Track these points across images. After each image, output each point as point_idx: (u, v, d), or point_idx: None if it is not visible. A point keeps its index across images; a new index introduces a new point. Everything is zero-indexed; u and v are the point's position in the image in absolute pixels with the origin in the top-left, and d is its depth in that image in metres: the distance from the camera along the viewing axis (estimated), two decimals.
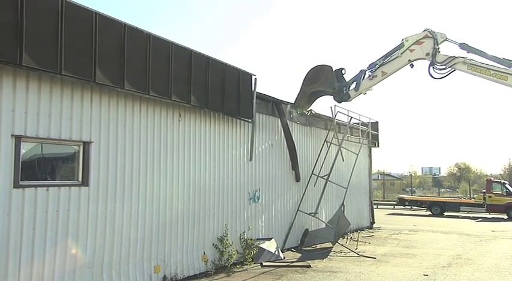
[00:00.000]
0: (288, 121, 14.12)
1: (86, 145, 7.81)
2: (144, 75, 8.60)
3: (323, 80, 15.10)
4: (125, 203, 8.46)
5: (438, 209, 31.19)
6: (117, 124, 8.40)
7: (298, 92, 15.26)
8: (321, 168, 15.42)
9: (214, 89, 10.59)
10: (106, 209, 8.08)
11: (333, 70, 15.19)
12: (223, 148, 11.41)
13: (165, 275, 9.20)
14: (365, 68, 15.08)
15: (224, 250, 10.87)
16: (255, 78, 12.08)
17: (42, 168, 7.57)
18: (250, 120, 12.09)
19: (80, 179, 7.74)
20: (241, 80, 11.65)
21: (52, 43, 6.95)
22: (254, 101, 12.04)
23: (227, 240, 10.97)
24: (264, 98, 13.06)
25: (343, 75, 15.25)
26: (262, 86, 19.95)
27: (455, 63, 13.60)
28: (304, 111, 15.37)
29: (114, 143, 8.33)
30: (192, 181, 10.25)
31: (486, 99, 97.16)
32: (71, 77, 7.26)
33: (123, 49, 8.15)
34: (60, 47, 7.00)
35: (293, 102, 15.02)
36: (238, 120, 11.89)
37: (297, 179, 14.66)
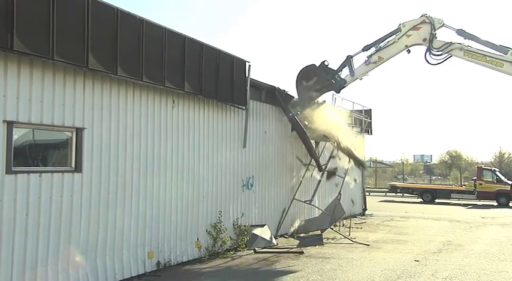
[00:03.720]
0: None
1: (79, 131, 7.73)
2: (137, 61, 8.50)
3: (316, 80, 14.96)
4: (118, 189, 8.42)
5: (429, 196, 31.47)
6: (111, 110, 8.32)
7: (297, 99, 15.02)
8: (320, 156, 15.41)
9: (208, 76, 10.51)
10: (100, 196, 8.04)
11: (318, 66, 15.06)
12: (217, 135, 11.37)
13: (158, 261, 9.22)
14: (352, 53, 14.93)
15: (218, 236, 10.90)
16: (249, 65, 12.01)
17: (35, 154, 7.51)
18: (244, 107, 12.04)
19: (73, 165, 7.67)
20: (235, 66, 11.57)
21: (44, 27, 6.83)
22: (248, 87, 11.97)
23: (221, 226, 11.00)
24: (258, 85, 12.99)
25: (328, 66, 15.14)
26: (257, 73, 19.81)
27: (451, 49, 13.53)
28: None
29: (107, 129, 8.26)
30: (185, 168, 10.22)
31: (478, 87, 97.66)
32: (63, 62, 7.16)
33: (116, 34, 8.03)
34: (52, 31, 6.88)
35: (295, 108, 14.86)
36: (232, 107, 11.84)
37: (320, 169, 14.77)
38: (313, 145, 15.42)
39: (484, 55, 13.28)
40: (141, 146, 9.01)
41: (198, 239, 10.48)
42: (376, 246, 12.52)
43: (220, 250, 10.92)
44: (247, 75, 11.96)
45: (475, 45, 13.44)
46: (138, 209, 8.88)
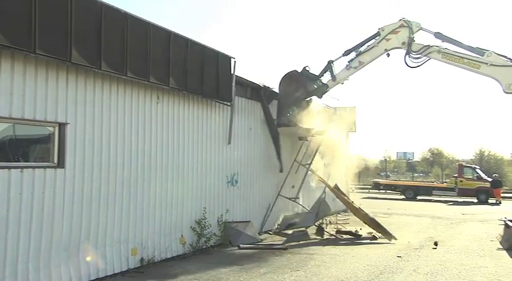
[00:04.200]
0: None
1: (62, 126, 7.61)
2: (121, 56, 8.39)
3: (298, 86, 15.01)
4: (102, 185, 8.32)
5: (411, 193, 31.85)
6: (94, 105, 8.21)
7: (279, 106, 15.03)
8: (303, 156, 15.48)
9: (193, 72, 10.44)
10: (82, 192, 7.93)
11: (300, 72, 15.13)
12: (202, 131, 11.32)
13: (142, 258, 9.15)
14: (333, 57, 15.09)
15: (202, 232, 10.86)
16: (234, 61, 11.96)
17: (16, 149, 7.38)
18: (229, 103, 11.99)
19: (56, 161, 7.55)
20: (221, 62, 11.52)
21: (25, 20, 6.68)
22: (233, 84, 11.92)
23: (205, 223, 10.96)
24: (243, 82, 12.96)
25: (310, 72, 15.22)
26: (242, 69, 19.75)
27: (430, 52, 13.75)
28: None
29: (91, 124, 8.14)
30: (170, 164, 10.16)
31: (460, 87, 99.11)
32: (45, 56, 7.03)
33: (100, 29, 7.91)
34: (34, 24, 6.74)
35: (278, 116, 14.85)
36: (217, 103, 11.79)
37: (281, 169, 14.64)
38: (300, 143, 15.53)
39: (462, 57, 13.54)
40: (125, 142, 8.92)
41: (182, 235, 10.43)
42: (359, 242, 12.61)
43: (204, 247, 10.89)
44: (232, 72, 11.91)
45: (452, 47, 13.68)
46: (122, 206, 8.80)
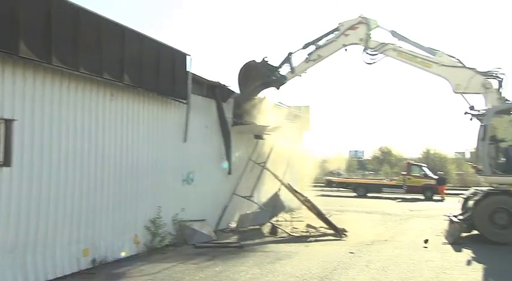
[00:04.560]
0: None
1: (8, 122, 7.22)
2: (73, 51, 8.08)
3: (256, 76, 15.07)
4: (51, 183, 7.97)
5: (363, 190, 32.71)
6: (44, 101, 7.85)
7: (239, 95, 15.01)
8: (259, 154, 15.52)
9: (148, 69, 10.23)
10: (31, 191, 7.56)
11: (259, 62, 15.20)
12: (157, 129, 11.12)
13: (94, 259, 8.87)
14: (293, 50, 15.26)
15: (156, 231, 10.66)
16: (190, 59, 11.83)
17: None
18: (185, 101, 11.84)
19: (2, 159, 7.16)
20: (176, 59, 11.36)
21: None
22: (189, 81, 11.78)
23: (160, 222, 10.77)
24: (199, 80, 12.84)
25: (269, 63, 15.33)
26: (198, 67, 19.57)
27: (386, 50, 14.23)
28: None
29: (40, 121, 7.78)
30: (124, 162, 9.90)
31: (407, 87, 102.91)
32: None
33: (50, 22, 7.57)
34: None
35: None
36: (173, 101, 11.61)
37: (229, 171, 14.37)
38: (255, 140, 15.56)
39: (415, 56, 14.12)
40: (77, 140, 8.59)
41: (136, 235, 10.21)
42: (313, 239, 12.80)
43: (159, 246, 10.70)
44: (188, 69, 11.77)
45: (407, 46, 14.20)
46: (73, 205, 8.47)
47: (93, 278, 8.28)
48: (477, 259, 10.33)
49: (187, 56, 11.73)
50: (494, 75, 13.74)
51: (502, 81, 13.65)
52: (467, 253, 11.00)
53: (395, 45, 14.33)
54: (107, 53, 8.87)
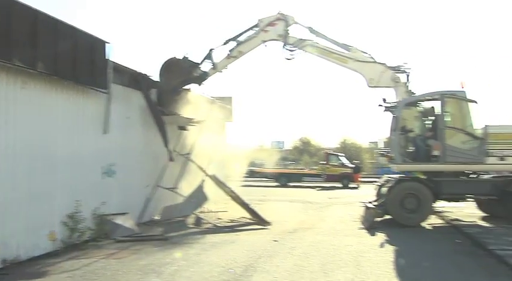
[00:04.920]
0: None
1: None
2: None
3: (178, 73, 14.86)
4: None
5: (284, 180, 33.56)
6: None
7: (162, 86, 14.65)
8: (184, 145, 15.28)
9: (64, 56, 9.66)
10: None
11: (180, 59, 15.04)
12: (75, 120, 10.54)
13: (4, 259, 8.26)
14: (214, 46, 15.27)
15: (75, 227, 10.15)
16: (110, 47, 11.32)
17: None
18: (105, 90, 11.33)
19: None
20: (95, 47, 10.83)
21: None
22: (109, 70, 11.28)
23: (79, 216, 10.25)
24: (121, 69, 12.35)
25: (190, 59, 15.22)
26: (121, 57, 18.89)
27: (304, 46, 14.68)
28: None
29: None
30: (39, 155, 9.28)
31: (327, 81, 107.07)
32: None
33: None
34: None
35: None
36: (92, 90, 11.04)
37: (171, 158, 14.22)
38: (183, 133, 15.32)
39: (332, 52, 14.77)
40: None
41: (52, 231, 9.63)
42: (238, 229, 12.94)
43: (78, 242, 10.20)
44: (108, 57, 11.27)
45: (324, 43, 14.78)
46: None
47: (5, 279, 7.70)
48: (390, 242, 11.05)
49: (106, 44, 11.22)
50: (402, 69, 14.74)
51: (409, 75, 14.71)
52: (381, 237, 11.71)
53: (313, 42, 14.84)
54: (17, 38, 8.25)
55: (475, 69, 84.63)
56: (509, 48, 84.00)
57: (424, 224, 13.35)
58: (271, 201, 20.65)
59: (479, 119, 13.40)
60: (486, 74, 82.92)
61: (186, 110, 14.92)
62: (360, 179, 33.06)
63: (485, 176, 14.52)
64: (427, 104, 14.39)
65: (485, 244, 10.22)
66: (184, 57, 15.04)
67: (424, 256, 9.50)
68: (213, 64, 15.25)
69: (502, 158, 13.11)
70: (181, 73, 14.86)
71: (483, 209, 15.19)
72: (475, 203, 15.29)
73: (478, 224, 13.55)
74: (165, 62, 14.85)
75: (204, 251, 9.90)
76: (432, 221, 14.04)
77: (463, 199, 14.23)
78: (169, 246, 10.48)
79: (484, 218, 14.48)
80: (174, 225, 13.21)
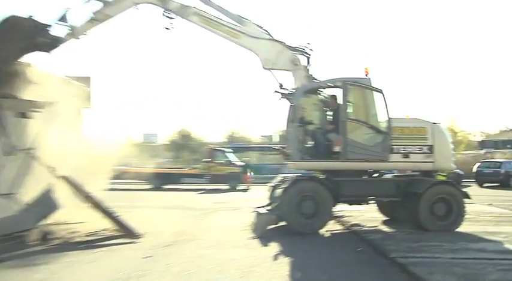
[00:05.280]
0: None
1: None
2: None
3: (20, 36, 13.76)
4: None
5: (158, 181, 33.01)
6: None
7: None
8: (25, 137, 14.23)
9: None
10: None
11: (24, 18, 14.02)
12: None
13: None
14: (72, 6, 14.48)
15: None
16: None
17: None
18: None
19: None
20: None
21: None
22: None
23: None
24: None
25: (36, 20, 14.27)
26: None
27: (187, 14, 14.41)
28: None
29: None
30: None
31: (214, 61, 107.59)
32: None
33: None
34: None
35: None
36: None
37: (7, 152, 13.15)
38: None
39: (222, 24, 14.68)
40: None
41: None
42: (99, 244, 12.44)
43: None
44: None
45: (213, 12, 14.71)
46: None
47: None
48: (284, 253, 11.44)
49: None
50: (302, 50, 15.15)
51: (309, 57, 15.17)
52: (274, 247, 12.10)
53: (199, 10, 14.66)
54: None
55: (474, 69, 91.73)
56: (509, 48, 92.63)
57: (322, 230, 14.07)
58: (142, 208, 20.25)
59: (385, 110, 14.13)
60: (486, 74, 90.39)
61: (27, 91, 13.87)
62: (250, 179, 33.75)
63: (388, 176, 15.68)
64: (328, 92, 15.04)
65: (387, 252, 11.07)
66: (30, 16, 13.96)
67: (322, 268, 10.01)
68: (71, 28, 14.39)
69: (406, 155, 14.20)
70: (24, 36, 13.75)
71: (384, 212, 16.41)
72: (376, 205, 16.40)
73: (380, 230, 14.66)
74: (2, 21, 13.62)
75: (53, 275, 9.33)
76: (331, 227, 14.88)
77: (366, 202, 15.08)
78: (4, 272, 9.68)
79: (385, 222, 15.71)
80: (9, 242, 12.25)
